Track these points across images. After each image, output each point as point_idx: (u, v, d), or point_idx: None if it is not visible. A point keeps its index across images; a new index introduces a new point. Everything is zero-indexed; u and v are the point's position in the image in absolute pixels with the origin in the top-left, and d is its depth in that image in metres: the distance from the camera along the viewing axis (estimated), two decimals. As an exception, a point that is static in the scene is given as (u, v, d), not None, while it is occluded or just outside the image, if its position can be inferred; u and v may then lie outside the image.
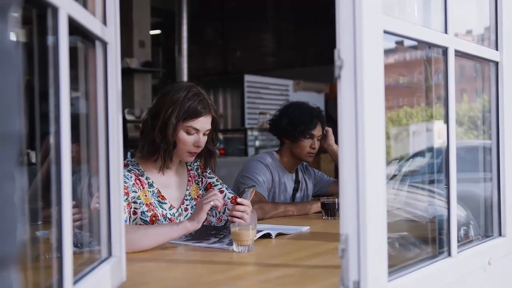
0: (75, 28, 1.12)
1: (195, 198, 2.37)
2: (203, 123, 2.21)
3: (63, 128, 1.01)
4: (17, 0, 0.60)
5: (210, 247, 1.94)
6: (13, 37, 0.58)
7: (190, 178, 2.40)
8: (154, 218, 2.18)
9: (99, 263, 1.31)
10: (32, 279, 1.16)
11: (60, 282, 1.01)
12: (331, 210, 2.65)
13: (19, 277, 0.59)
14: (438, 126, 1.90)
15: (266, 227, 2.18)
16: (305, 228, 2.36)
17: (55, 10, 1.00)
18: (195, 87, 2.25)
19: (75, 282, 1.09)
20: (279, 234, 2.19)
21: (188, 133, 2.20)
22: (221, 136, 7.82)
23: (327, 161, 6.71)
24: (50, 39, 1.02)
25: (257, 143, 7.68)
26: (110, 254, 1.37)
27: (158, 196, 2.24)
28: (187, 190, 2.36)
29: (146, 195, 2.20)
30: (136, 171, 2.22)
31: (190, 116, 2.18)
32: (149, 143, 2.22)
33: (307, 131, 3.00)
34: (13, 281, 0.56)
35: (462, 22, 1.86)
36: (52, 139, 1.02)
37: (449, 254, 1.51)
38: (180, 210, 2.30)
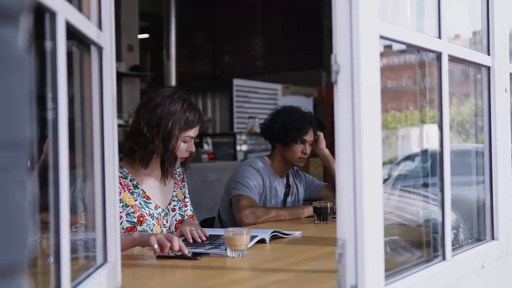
0: (71, 32, 1.11)
1: (181, 200, 2.45)
2: (197, 130, 2.34)
3: (61, 132, 1.00)
4: (28, 7, 0.59)
5: (208, 253, 1.92)
6: (23, 44, 0.58)
7: (176, 180, 2.48)
8: (141, 218, 2.23)
9: (95, 269, 1.30)
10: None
11: (58, 289, 1.00)
12: (323, 215, 2.65)
13: (30, 284, 0.58)
14: (427, 130, 1.91)
15: (259, 232, 2.17)
16: (298, 233, 2.36)
17: (53, 14, 0.99)
18: (184, 95, 2.34)
19: (72, 289, 1.08)
20: (274, 237, 2.19)
21: (185, 141, 2.30)
22: (210, 140, 7.81)
23: (315, 165, 6.72)
24: (47, 44, 1.02)
25: (246, 147, 7.67)
26: (105, 260, 1.37)
27: (144, 197, 2.29)
28: (174, 191, 2.44)
29: (129, 198, 2.24)
30: (119, 173, 2.23)
31: (190, 126, 2.29)
32: (149, 153, 2.26)
33: (299, 136, 3.00)
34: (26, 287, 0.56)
35: (452, 26, 1.88)
36: (49, 144, 1.01)
37: (444, 258, 1.52)
38: (166, 210, 2.36)
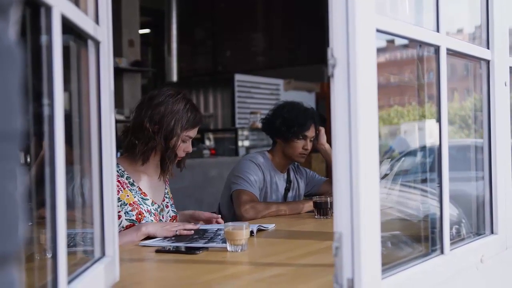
0: (67, 27, 1.11)
1: (171, 197, 2.51)
2: (196, 131, 2.39)
3: (56, 128, 1.01)
4: (18, 0, 0.60)
5: (206, 247, 1.92)
6: (13, 36, 0.58)
7: (166, 179, 2.51)
8: (140, 216, 2.26)
9: (92, 263, 1.30)
10: (25, 279, 1.15)
11: (54, 282, 1.00)
12: (323, 209, 2.65)
13: (20, 275, 0.59)
14: (429, 125, 1.91)
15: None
16: (271, 226, 2.40)
17: (48, 9, 0.99)
18: (187, 96, 2.39)
19: (69, 282, 1.08)
20: (259, 230, 2.26)
21: (183, 141, 2.34)
22: (211, 136, 7.81)
23: (318, 160, 6.73)
24: (43, 38, 1.02)
25: (248, 143, 7.67)
26: (103, 254, 1.37)
27: (141, 194, 2.32)
28: (166, 189, 2.48)
29: (128, 195, 2.27)
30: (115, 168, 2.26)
31: (191, 126, 2.33)
32: (150, 149, 2.29)
33: (300, 132, 2.99)
34: (15, 279, 0.57)
35: (453, 21, 1.87)
36: (45, 140, 1.01)
37: (442, 252, 1.52)
38: (162, 206, 2.41)
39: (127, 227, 2.21)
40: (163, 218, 2.39)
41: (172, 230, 2.13)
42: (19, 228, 0.57)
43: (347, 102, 1.17)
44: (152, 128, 2.27)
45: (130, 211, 2.24)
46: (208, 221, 2.44)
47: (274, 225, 2.43)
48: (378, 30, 1.25)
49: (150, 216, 2.29)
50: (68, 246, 1.12)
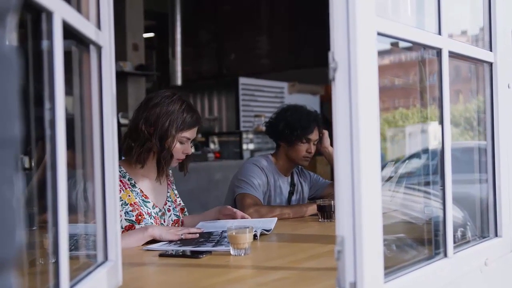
0: (69, 32, 1.12)
1: (174, 201, 2.49)
2: (195, 132, 2.37)
3: (58, 133, 1.01)
4: (15, 5, 0.60)
5: (210, 251, 1.92)
6: (11, 42, 0.58)
7: (169, 182, 2.51)
8: (140, 217, 2.27)
9: (95, 267, 1.31)
10: (28, 284, 1.16)
11: (56, 287, 1.00)
12: (327, 213, 2.65)
13: (18, 281, 0.59)
14: (434, 127, 1.91)
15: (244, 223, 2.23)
16: (274, 220, 2.43)
17: (49, 14, 1.00)
18: (183, 97, 2.39)
19: (71, 287, 1.08)
20: (263, 234, 2.25)
21: (181, 142, 2.33)
22: (216, 139, 7.81)
23: (323, 163, 6.71)
24: (44, 43, 1.02)
25: (253, 146, 7.66)
26: (106, 258, 1.37)
27: (142, 196, 2.32)
28: (168, 192, 2.48)
29: (129, 195, 2.28)
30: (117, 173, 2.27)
31: (187, 127, 2.32)
32: (146, 151, 2.29)
33: (304, 135, 2.99)
34: (13, 284, 0.57)
35: (456, 23, 1.87)
36: (47, 144, 1.01)
37: (445, 255, 1.52)
38: (163, 210, 2.40)
39: (126, 228, 2.22)
40: (164, 222, 2.38)
41: (178, 234, 2.13)
42: (16, 234, 0.57)
43: (349, 105, 1.17)
44: (148, 129, 2.27)
45: (130, 211, 2.24)
46: (232, 217, 2.47)
47: (276, 219, 2.45)
48: (379, 33, 1.25)
49: (150, 218, 2.29)
50: (70, 249, 1.12)
